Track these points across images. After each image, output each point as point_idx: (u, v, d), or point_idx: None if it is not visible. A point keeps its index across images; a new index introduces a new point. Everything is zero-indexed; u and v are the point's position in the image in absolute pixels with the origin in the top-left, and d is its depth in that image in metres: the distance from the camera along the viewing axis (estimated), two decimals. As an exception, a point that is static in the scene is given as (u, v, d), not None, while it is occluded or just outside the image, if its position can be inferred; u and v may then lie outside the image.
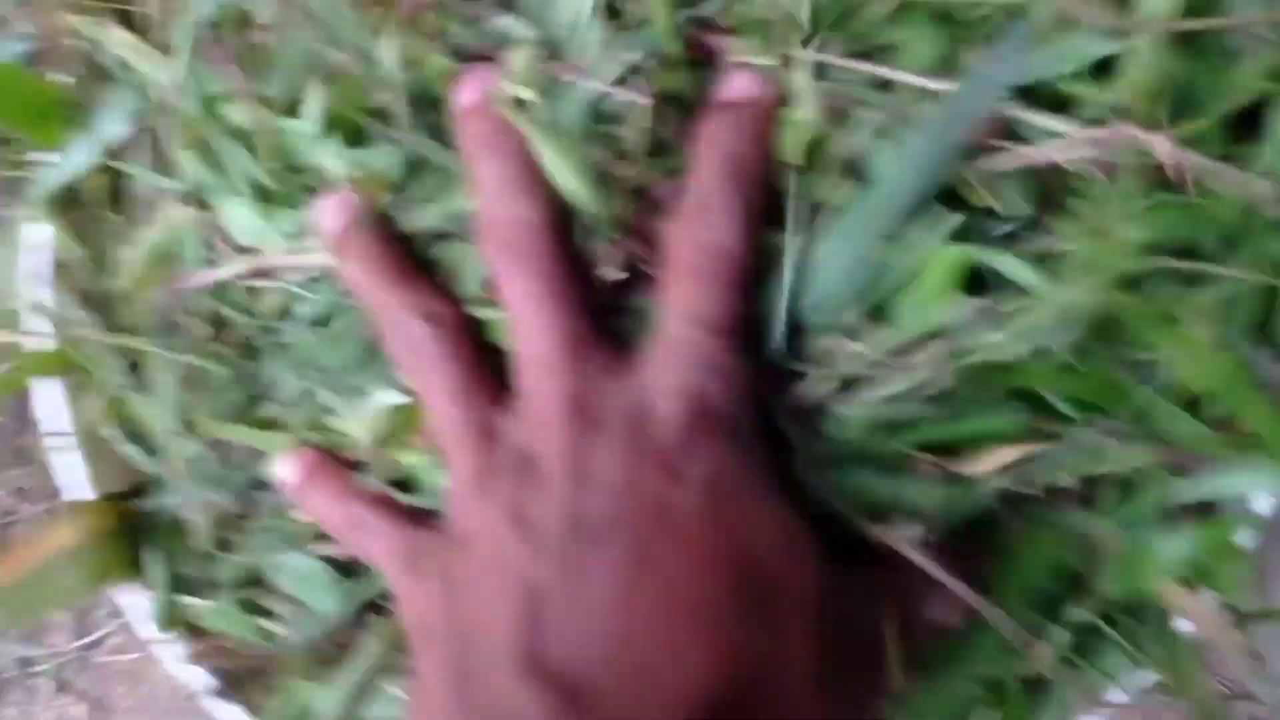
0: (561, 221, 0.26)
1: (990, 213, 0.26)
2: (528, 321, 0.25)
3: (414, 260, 0.27)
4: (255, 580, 0.32)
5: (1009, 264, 0.25)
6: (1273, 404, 0.26)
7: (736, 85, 0.26)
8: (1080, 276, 0.25)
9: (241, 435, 0.31)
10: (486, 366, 0.27)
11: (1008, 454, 0.26)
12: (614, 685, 0.21)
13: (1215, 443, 0.26)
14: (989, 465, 0.26)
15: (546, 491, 0.24)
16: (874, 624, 0.25)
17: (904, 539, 0.25)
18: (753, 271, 0.25)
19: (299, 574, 0.31)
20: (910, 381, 0.25)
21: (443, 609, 0.24)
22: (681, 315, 0.25)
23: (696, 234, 0.25)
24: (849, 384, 0.26)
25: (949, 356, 0.25)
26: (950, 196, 0.26)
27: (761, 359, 0.26)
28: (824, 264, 0.26)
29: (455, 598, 0.24)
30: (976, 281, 0.26)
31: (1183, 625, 0.29)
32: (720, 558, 0.23)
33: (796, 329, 0.26)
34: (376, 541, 0.27)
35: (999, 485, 0.26)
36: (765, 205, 0.25)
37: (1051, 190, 0.26)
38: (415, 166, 0.28)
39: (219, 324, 0.31)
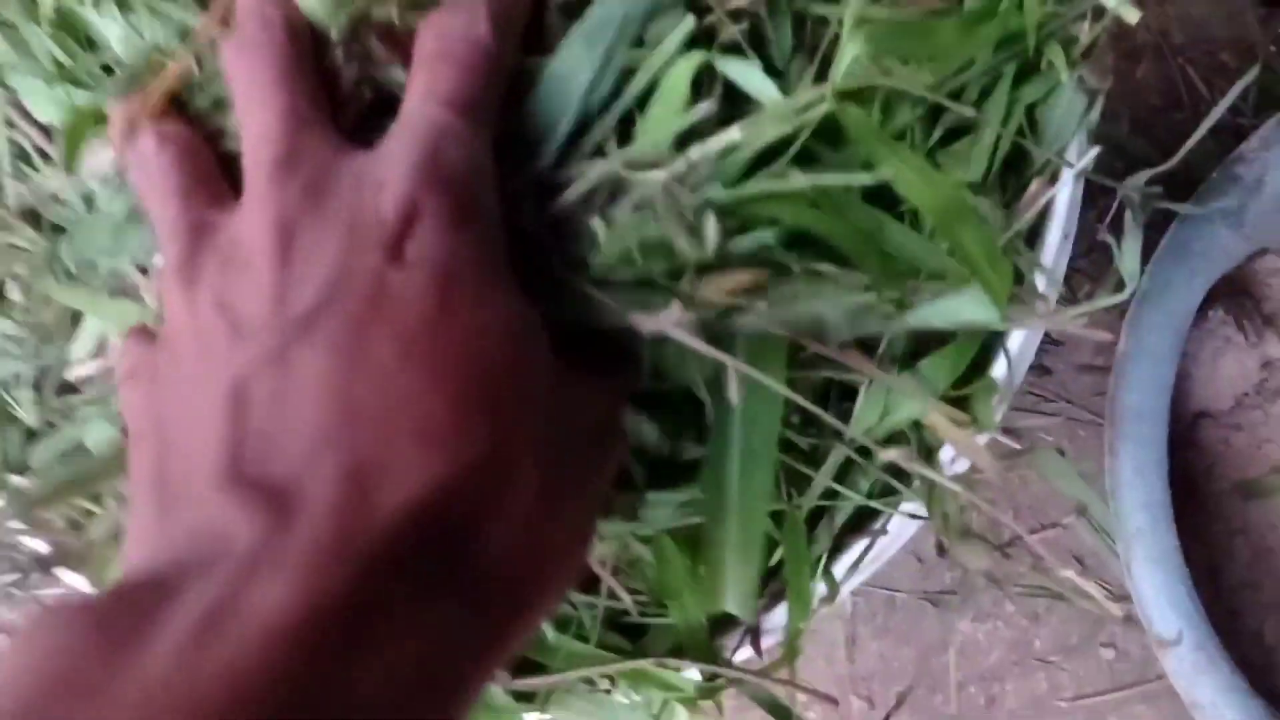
0: (303, 30, 0.25)
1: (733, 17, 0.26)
2: (253, 103, 0.24)
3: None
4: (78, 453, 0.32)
5: (744, 70, 0.26)
6: (987, 232, 0.26)
7: None
8: (809, 87, 0.26)
9: (57, 295, 0.31)
10: (219, 175, 0.25)
11: (743, 278, 0.25)
12: (324, 489, 0.19)
13: (946, 263, 0.27)
14: (722, 288, 0.25)
15: (252, 274, 0.22)
16: (602, 419, 0.25)
17: (667, 321, 0.25)
18: (505, 71, 0.24)
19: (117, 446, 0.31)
20: (654, 192, 0.25)
21: (146, 409, 0.23)
22: (420, 94, 0.23)
23: (444, 22, 0.24)
24: (602, 196, 0.26)
25: (690, 169, 0.25)
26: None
27: (524, 178, 0.25)
28: (569, 73, 0.25)
29: (159, 398, 0.23)
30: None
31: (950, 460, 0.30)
32: (440, 345, 0.21)
33: (560, 146, 0.26)
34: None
35: (741, 313, 0.26)
36: (527, 13, 0.25)
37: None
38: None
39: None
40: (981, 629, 0.58)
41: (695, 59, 0.25)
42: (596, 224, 0.25)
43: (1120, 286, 0.28)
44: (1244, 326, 0.51)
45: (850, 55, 0.25)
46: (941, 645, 0.58)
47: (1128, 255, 0.28)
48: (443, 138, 0.23)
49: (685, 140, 0.25)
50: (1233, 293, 0.53)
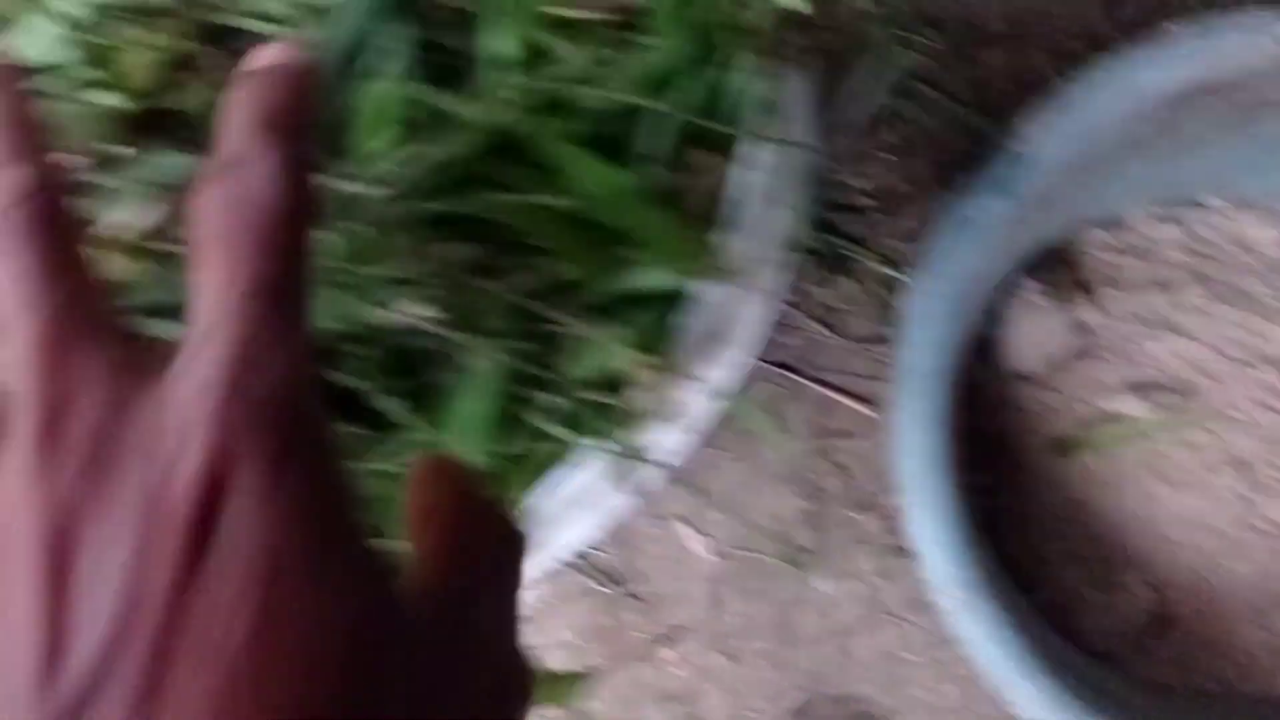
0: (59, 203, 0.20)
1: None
2: (8, 312, 0.18)
3: None
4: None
5: (438, 97, 0.30)
6: (664, 211, 0.30)
7: (264, 54, 0.22)
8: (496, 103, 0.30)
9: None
10: None
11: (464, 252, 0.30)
12: None
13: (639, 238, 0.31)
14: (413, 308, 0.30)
15: (14, 611, 0.16)
16: (495, 655, 0.20)
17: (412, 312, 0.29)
18: (305, 225, 0.20)
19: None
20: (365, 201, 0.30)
21: None
22: (211, 289, 0.19)
23: (225, 192, 0.19)
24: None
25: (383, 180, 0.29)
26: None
27: None
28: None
29: None
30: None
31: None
32: (266, 675, 0.16)
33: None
34: None
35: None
36: (313, 156, 0.21)
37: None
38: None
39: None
40: (837, 587, 0.61)
41: (390, 90, 0.29)
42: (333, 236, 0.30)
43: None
44: (1058, 294, 0.55)
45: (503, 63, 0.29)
46: (799, 603, 0.61)
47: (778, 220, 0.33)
48: (251, 345, 0.18)
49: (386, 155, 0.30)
50: (1051, 263, 0.56)
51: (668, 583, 0.66)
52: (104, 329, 0.19)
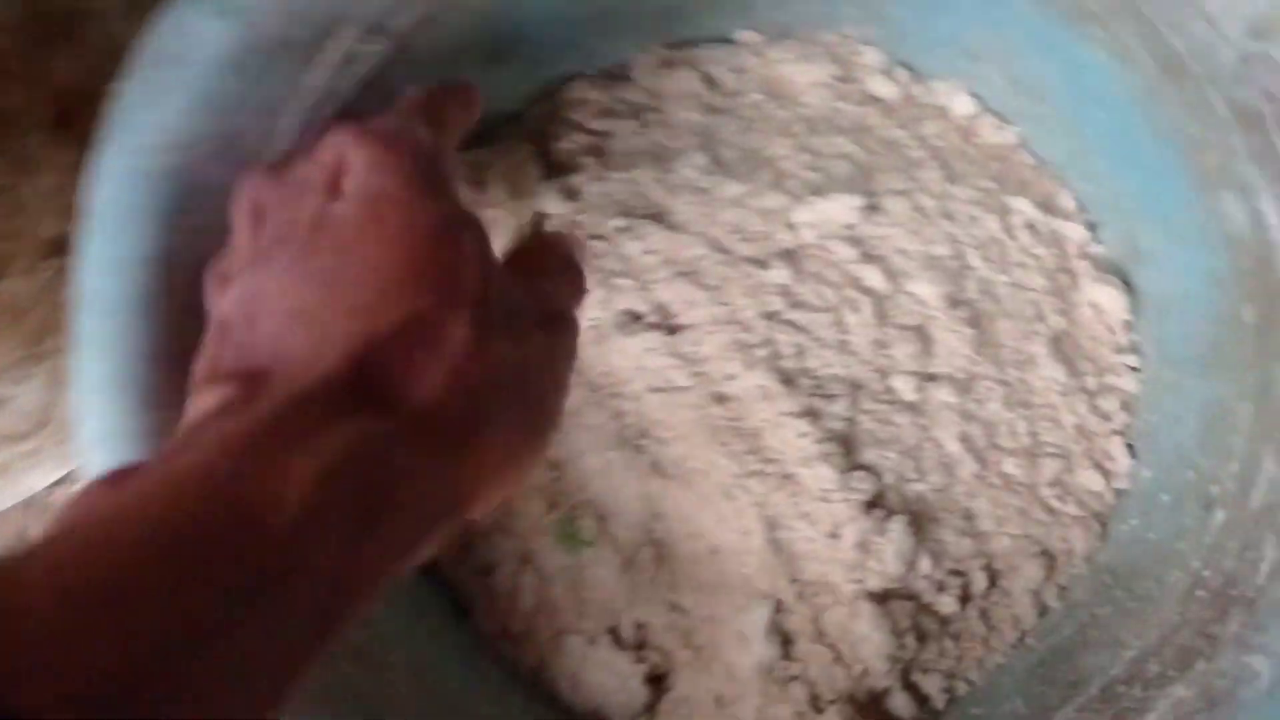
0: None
1: None
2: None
3: None
4: None
5: None
6: None
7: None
8: None
9: None
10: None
11: None
12: (280, 368, 0.23)
13: None
14: None
15: (237, 245, 0.27)
16: (549, 310, 0.28)
17: None
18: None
19: None
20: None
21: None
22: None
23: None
24: None
25: None
26: None
27: None
28: None
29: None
30: None
31: None
32: (369, 244, 0.25)
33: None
34: None
35: None
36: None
37: None
38: None
39: None
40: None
41: None
42: None
43: None
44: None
45: None
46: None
47: None
48: (385, 121, 0.28)
49: None
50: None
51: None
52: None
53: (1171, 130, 0.33)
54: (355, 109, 0.31)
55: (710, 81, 0.41)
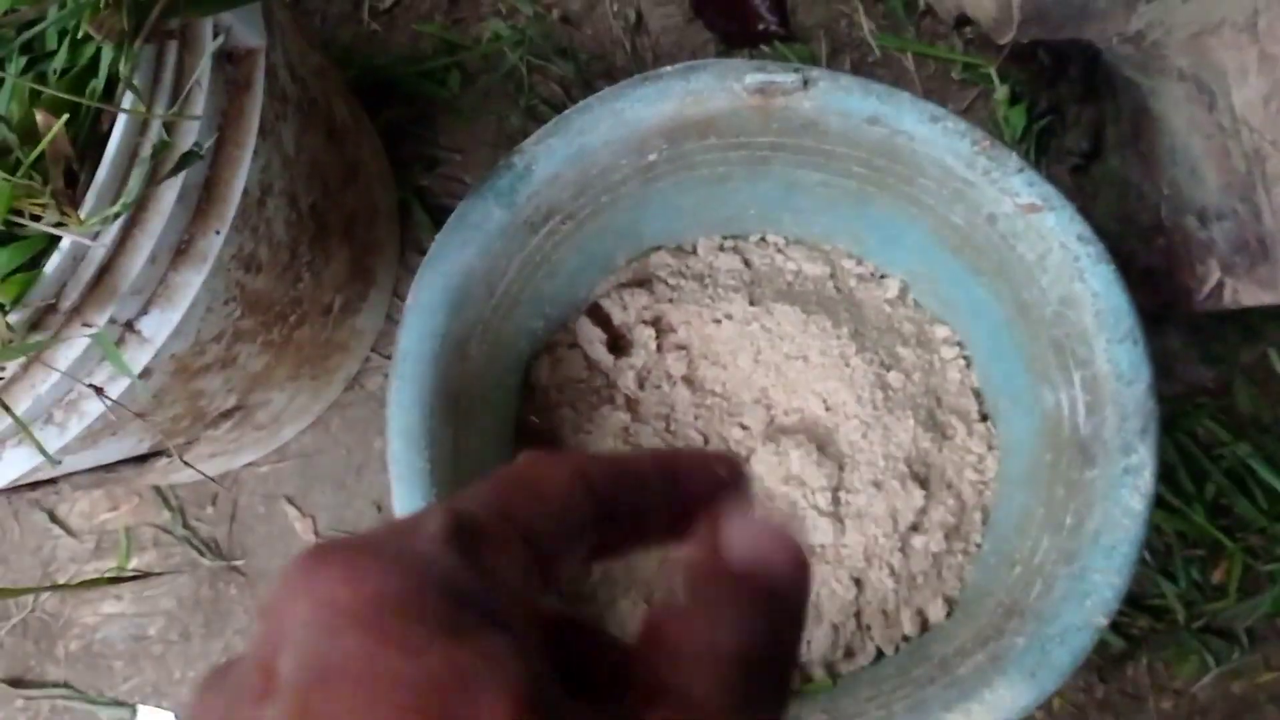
0: None
1: None
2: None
3: None
4: None
5: None
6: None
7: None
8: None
9: None
10: None
11: None
12: None
13: None
14: None
15: None
16: None
17: None
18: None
19: None
20: None
21: None
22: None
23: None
24: None
25: None
26: None
27: None
28: None
29: None
30: None
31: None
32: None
33: None
34: None
35: None
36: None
37: None
38: None
39: None
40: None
41: None
42: None
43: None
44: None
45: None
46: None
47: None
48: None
49: None
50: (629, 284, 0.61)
51: (270, 559, 0.69)
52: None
53: (1019, 345, 0.57)
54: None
55: (748, 263, 0.64)
